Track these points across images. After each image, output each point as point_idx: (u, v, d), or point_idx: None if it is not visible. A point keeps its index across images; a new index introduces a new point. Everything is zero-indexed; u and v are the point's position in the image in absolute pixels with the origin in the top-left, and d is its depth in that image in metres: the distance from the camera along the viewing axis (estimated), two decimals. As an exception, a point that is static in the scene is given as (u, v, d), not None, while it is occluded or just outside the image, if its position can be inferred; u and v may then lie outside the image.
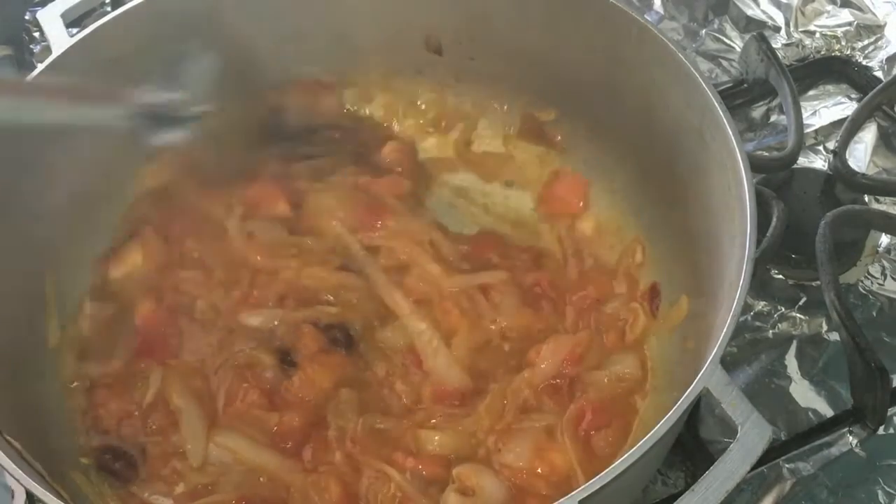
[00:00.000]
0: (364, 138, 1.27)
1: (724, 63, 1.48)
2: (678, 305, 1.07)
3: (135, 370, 1.06)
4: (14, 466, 0.81)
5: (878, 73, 1.43)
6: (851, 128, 1.31)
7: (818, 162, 1.34)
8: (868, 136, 1.36)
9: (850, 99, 1.41)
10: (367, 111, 1.30)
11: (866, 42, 1.47)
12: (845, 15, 1.49)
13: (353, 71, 1.27)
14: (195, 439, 1.01)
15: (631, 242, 1.16)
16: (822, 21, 1.49)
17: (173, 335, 1.09)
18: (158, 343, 1.08)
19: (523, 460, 0.98)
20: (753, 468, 0.79)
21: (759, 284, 1.22)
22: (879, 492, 1.05)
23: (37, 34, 1.50)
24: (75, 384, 1.06)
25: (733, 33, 1.51)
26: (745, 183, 0.90)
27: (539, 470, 0.97)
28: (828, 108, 1.41)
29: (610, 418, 1.01)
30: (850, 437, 1.09)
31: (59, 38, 1.07)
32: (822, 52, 1.47)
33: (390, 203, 1.18)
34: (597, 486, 0.74)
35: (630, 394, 1.04)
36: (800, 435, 1.10)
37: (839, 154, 1.27)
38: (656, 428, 0.77)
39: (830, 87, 1.44)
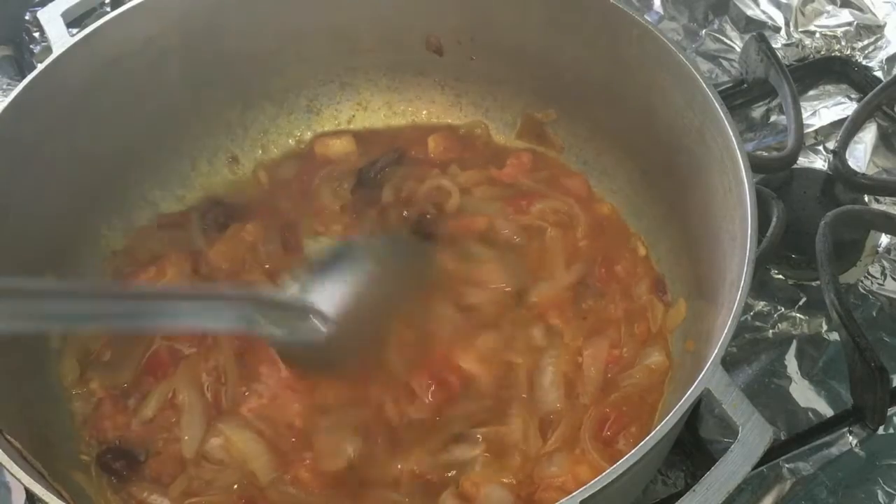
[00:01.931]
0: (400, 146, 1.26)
1: (724, 63, 1.48)
2: (676, 308, 1.07)
3: (142, 383, 1.05)
4: (14, 465, 0.80)
5: (878, 73, 1.43)
6: (851, 128, 1.31)
7: (818, 162, 1.34)
8: (868, 136, 1.36)
9: (850, 99, 1.42)
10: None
11: (866, 42, 1.47)
12: (845, 15, 1.49)
13: (354, 71, 1.28)
14: (192, 429, 1.01)
15: (630, 238, 1.16)
16: (822, 21, 1.49)
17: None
18: (169, 357, 1.07)
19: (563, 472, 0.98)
20: (753, 468, 0.79)
21: (759, 284, 1.22)
22: (879, 492, 1.05)
23: (37, 34, 1.50)
24: (77, 391, 1.06)
25: (733, 33, 1.51)
26: (746, 183, 0.90)
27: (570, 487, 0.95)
28: (828, 108, 1.41)
29: (631, 418, 1.01)
30: (850, 437, 1.09)
31: (60, 38, 1.07)
32: (822, 52, 1.47)
33: (530, 185, 1.20)
34: (598, 487, 0.74)
35: (651, 390, 1.03)
36: (800, 435, 1.10)
37: (839, 154, 1.27)
38: (658, 428, 0.78)
39: (830, 87, 1.44)
